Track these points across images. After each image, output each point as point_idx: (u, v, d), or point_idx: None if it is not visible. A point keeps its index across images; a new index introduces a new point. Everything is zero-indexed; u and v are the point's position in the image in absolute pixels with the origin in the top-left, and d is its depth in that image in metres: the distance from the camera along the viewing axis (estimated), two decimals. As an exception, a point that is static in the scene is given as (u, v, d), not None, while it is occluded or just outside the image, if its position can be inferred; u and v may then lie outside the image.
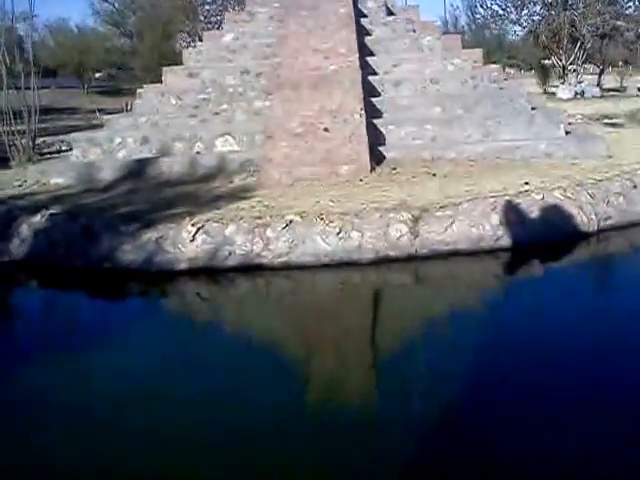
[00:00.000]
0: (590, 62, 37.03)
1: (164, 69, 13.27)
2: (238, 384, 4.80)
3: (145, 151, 11.08)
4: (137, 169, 10.62)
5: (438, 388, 4.55)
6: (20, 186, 10.64)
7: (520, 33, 34.50)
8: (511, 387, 4.56)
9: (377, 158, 10.05)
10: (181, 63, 13.60)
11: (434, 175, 9.43)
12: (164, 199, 8.95)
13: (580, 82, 31.76)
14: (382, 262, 7.18)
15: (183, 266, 7.28)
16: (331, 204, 8.05)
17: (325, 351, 5.59)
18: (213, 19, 36.51)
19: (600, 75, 35.54)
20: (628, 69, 40.67)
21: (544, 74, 34.03)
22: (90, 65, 39.86)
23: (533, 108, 11.22)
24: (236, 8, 35.46)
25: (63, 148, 19.73)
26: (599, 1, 31.09)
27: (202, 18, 35.69)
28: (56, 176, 10.73)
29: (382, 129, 10.74)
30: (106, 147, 11.21)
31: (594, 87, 32.00)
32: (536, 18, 33.85)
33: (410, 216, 7.49)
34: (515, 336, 5.46)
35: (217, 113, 11.59)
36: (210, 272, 7.22)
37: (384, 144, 10.59)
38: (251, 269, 7.20)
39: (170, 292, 7.26)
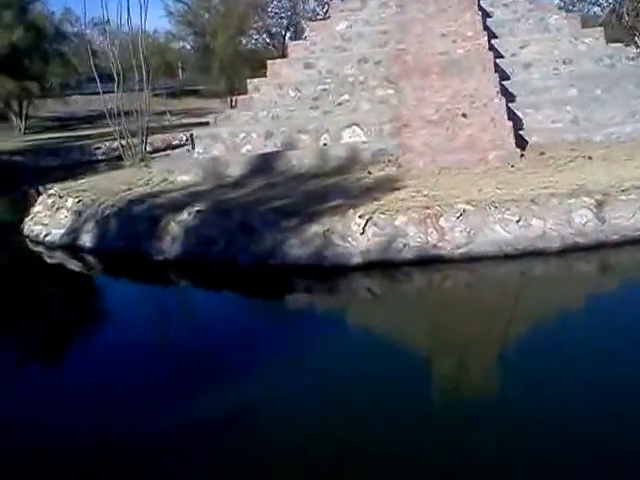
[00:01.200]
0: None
1: (274, 62, 13.04)
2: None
3: (269, 145, 10.82)
4: (265, 163, 10.38)
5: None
6: (147, 184, 10.50)
7: (600, 14, 33.06)
8: None
9: (520, 143, 9.57)
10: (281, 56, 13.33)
11: (589, 158, 8.90)
12: (310, 192, 8.65)
13: (667, 62, 30.38)
14: (570, 250, 6.70)
15: (356, 260, 6.95)
16: (498, 191, 7.61)
17: (518, 352, 5.08)
18: (283, 14, 36.30)
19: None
20: None
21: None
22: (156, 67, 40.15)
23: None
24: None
25: (148, 149, 19.80)
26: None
27: (272, 15, 35.53)
28: (182, 173, 10.58)
29: (518, 113, 10.23)
30: (229, 143, 10.99)
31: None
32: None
33: (593, 201, 7.01)
34: None
35: (340, 104, 11.27)
36: (386, 266, 6.87)
37: (522, 128, 10.08)
38: (429, 261, 6.81)
39: (352, 289, 6.95)
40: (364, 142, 10.40)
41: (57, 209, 9.88)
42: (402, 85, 10.50)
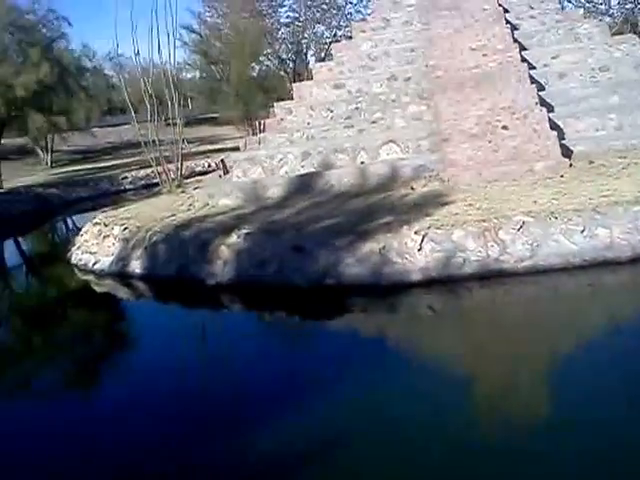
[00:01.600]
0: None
1: (300, 84, 13.09)
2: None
3: (307, 166, 10.77)
4: (304, 184, 10.31)
5: None
6: (189, 210, 10.46)
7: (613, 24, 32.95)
8: None
9: (565, 153, 9.44)
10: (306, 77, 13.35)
11: (641, 164, 8.75)
12: (357, 211, 8.56)
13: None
14: (641, 259, 6.53)
15: (415, 277, 6.82)
16: (555, 202, 7.47)
17: (594, 376, 4.74)
18: (293, 40, 36.62)
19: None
20: None
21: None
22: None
23: None
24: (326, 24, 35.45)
25: (172, 176, 19.92)
26: None
27: (281, 40, 35.82)
28: (223, 197, 10.51)
29: (558, 122, 10.11)
30: (267, 165, 10.95)
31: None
32: (629, 6, 32.51)
33: (660, 207, 6.85)
34: None
35: (374, 122, 11.20)
36: (447, 282, 6.73)
37: (564, 138, 9.95)
38: (492, 276, 6.66)
39: (415, 308, 6.78)
40: (402, 159, 10.29)
41: (104, 237, 9.89)
42: (438, 100, 10.43)
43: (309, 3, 36.33)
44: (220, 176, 12.97)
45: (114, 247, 9.46)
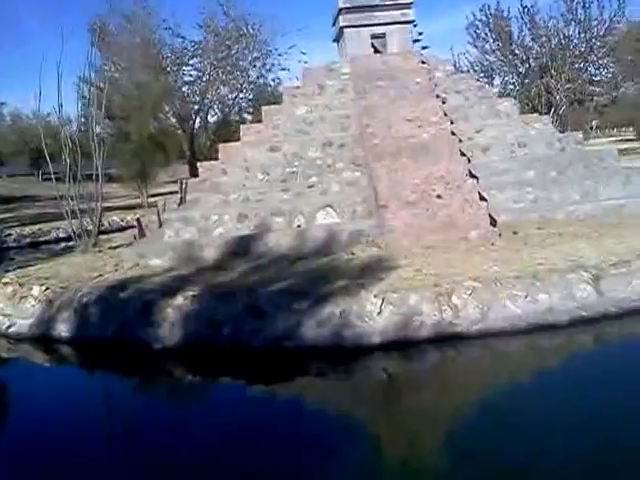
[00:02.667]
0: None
1: (227, 145, 13.28)
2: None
3: (243, 228, 10.82)
4: (241, 246, 10.33)
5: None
6: (116, 270, 10.14)
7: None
8: None
9: (491, 222, 10.07)
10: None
11: (560, 235, 9.49)
12: (306, 274, 8.66)
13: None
14: (577, 323, 7.07)
15: (375, 339, 7.00)
16: (495, 269, 7.95)
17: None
18: (194, 99, 36.78)
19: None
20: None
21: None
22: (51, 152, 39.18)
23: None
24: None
25: (61, 235, 19.36)
26: (572, 69, 32.76)
27: (182, 99, 35.75)
28: (155, 257, 10.32)
29: (483, 194, 10.80)
30: (201, 225, 10.90)
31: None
32: (510, 87, 35.39)
33: (591, 275, 7.46)
34: None
35: (311, 186, 11.49)
36: (405, 344, 6.94)
37: (488, 208, 10.61)
38: (447, 338, 6.96)
39: (375, 371, 6.89)
40: (338, 223, 10.59)
41: (21, 298, 9.24)
42: (375, 167, 10.87)
43: (215, 63, 36.71)
44: (135, 236, 12.49)
45: (34, 309, 8.88)
